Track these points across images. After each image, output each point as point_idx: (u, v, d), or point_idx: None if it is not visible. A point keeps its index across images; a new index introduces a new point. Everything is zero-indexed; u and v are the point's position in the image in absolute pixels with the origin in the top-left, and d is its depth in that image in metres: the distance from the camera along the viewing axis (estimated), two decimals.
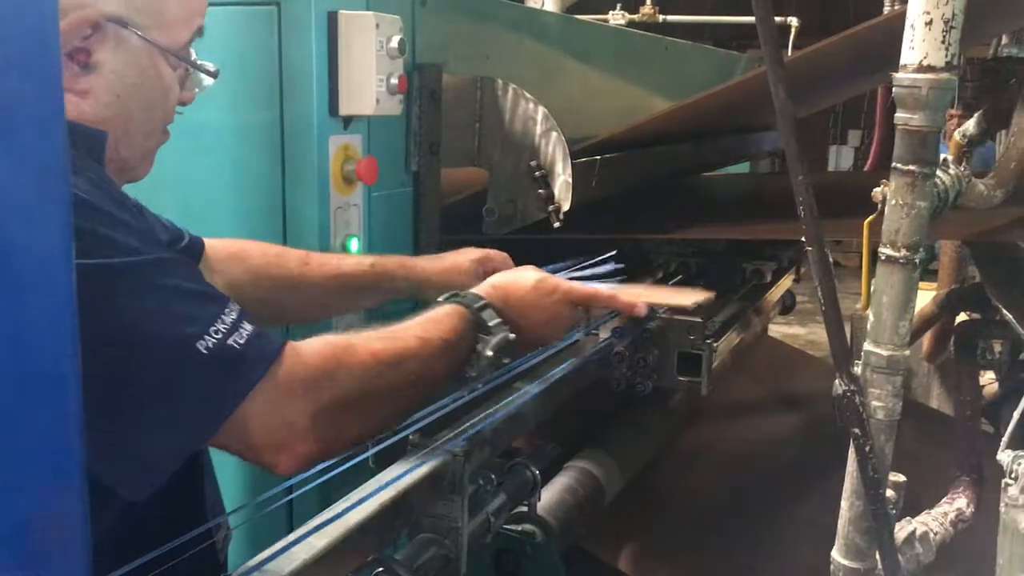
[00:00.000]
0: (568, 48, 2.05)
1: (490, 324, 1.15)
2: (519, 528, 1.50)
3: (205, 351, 0.82)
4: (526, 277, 1.22)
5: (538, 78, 1.83)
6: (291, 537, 0.95)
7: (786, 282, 2.55)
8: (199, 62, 0.99)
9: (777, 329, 4.55)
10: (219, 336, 0.84)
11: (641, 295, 1.46)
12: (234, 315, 0.86)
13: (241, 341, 0.85)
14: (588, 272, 1.45)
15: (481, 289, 1.16)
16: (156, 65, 0.94)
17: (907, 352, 1.16)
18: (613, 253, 1.54)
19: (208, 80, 1.01)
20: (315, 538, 0.96)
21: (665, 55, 2.57)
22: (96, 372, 0.67)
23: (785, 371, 2.86)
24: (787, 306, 2.86)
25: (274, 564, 0.91)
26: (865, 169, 5.56)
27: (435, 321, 1.08)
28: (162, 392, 0.82)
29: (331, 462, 1.08)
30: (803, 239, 1.17)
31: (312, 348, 0.95)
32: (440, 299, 1.12)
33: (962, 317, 2.76)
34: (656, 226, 2.02)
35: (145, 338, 0.80)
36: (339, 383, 0.94)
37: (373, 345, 1.00)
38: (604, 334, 1.67)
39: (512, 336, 1.17)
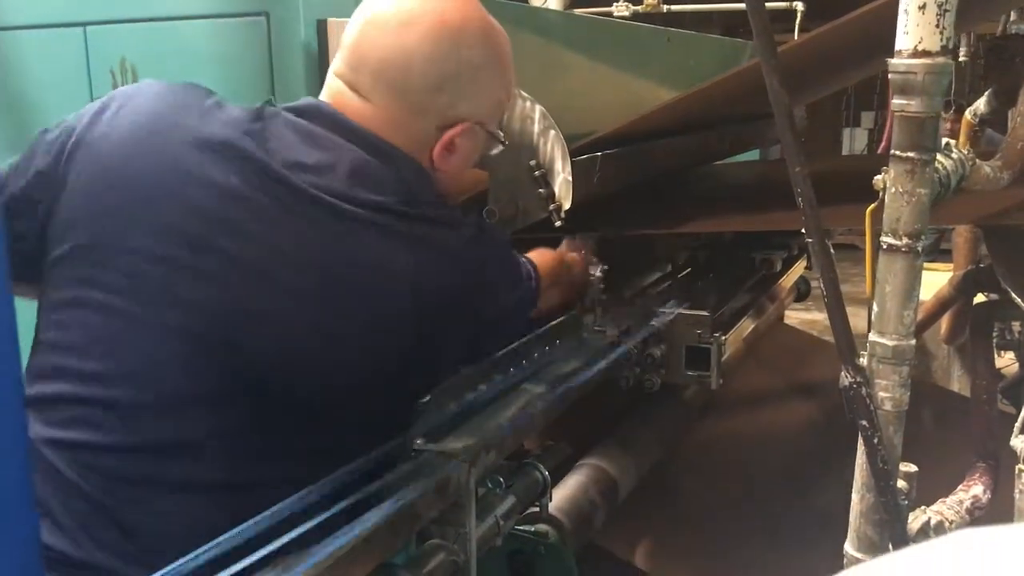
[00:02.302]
0: (568, 45, 2.04)
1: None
2: (531, 529, 1.50)
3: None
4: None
5: (538, 76, 1.82)
6: (295, 550, 0.96)
7: (798, 269, 2.54)
8: (497, 132, 1.35)
9: (795, 316, 4.52)
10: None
11: None
12: None
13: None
14: None
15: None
16: (482, 142, 1.32)
17: (913, 341, 1.14)
18: None
19: (500, 146, 1.38)
20: (321, 548, 0.96)
21: (668, 47, 2.55)
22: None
23: (801, 359, 2.83)
24: (802, 293, 2.85)
25: None
26: (879, 151, 5.52)
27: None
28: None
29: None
30: (803, 230, 1.16)
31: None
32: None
33: (980, 298, 2.73)
34: (663, 219, 2.01)
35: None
36: None
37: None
38: (610, 331, 1.67)
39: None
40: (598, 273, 1.71)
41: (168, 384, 1.08)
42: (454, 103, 1.21)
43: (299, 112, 1.17)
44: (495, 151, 1.35)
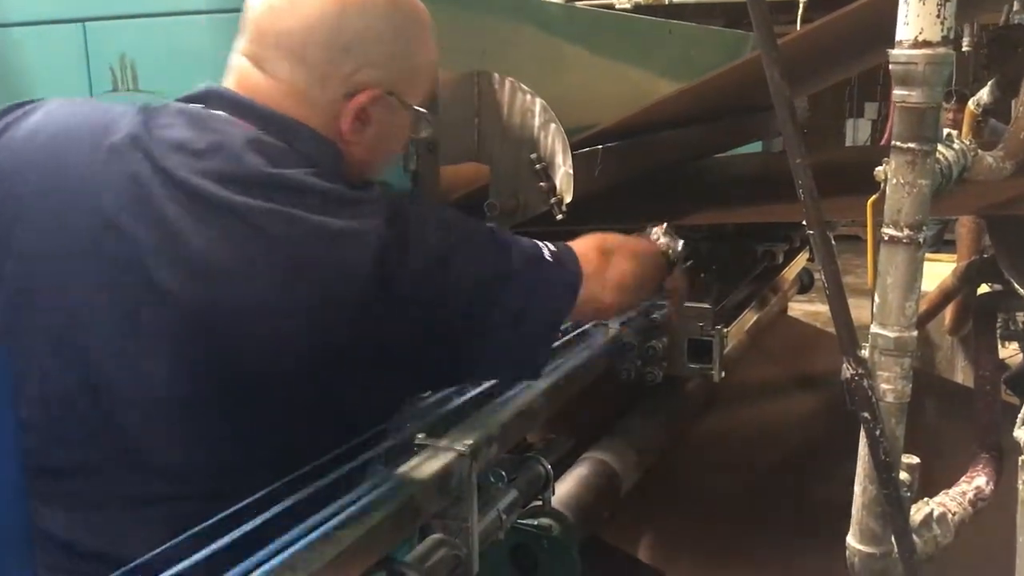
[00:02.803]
0: (569, 37, 2.03)
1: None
2: (535, 522, 1.50)
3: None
4: None
5: (539, 70, 1.82)
6: (297, 544, 0.96)
7: (800, 261, 2.53)
8: (424, 111, 1.24)
9: (799, 307, 4.50)
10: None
11: None
12: None
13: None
14: None
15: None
16: (403, 119, 1.22)
17: (915, 333, 1.14)
18: None
19: (430, 123, 1.27)
20: (321, 544, 0.96)
21: (670, 39, 2.54)
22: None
23: (804, 350, 2.83)
24: (805, 285, 2.84)
25: (282, 571, 0.91)
26: (881, 143, 5.50)
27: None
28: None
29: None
30: (804, 222, 1.15)
31: None
32: None
33: (984, 288, 2.72)
34: (664, 212, 2.00)
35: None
36: None
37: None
38: (613, 324, 1.67)
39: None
40: (678, 249, 1.56)
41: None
42: (359, 68, 1.14)
43: (191, 99, 1.14)
44: (426, 131, 1.26)
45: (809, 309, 5.73)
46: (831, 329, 1.20)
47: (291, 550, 0.94)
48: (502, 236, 1.23)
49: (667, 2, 4.98)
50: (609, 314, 1.52)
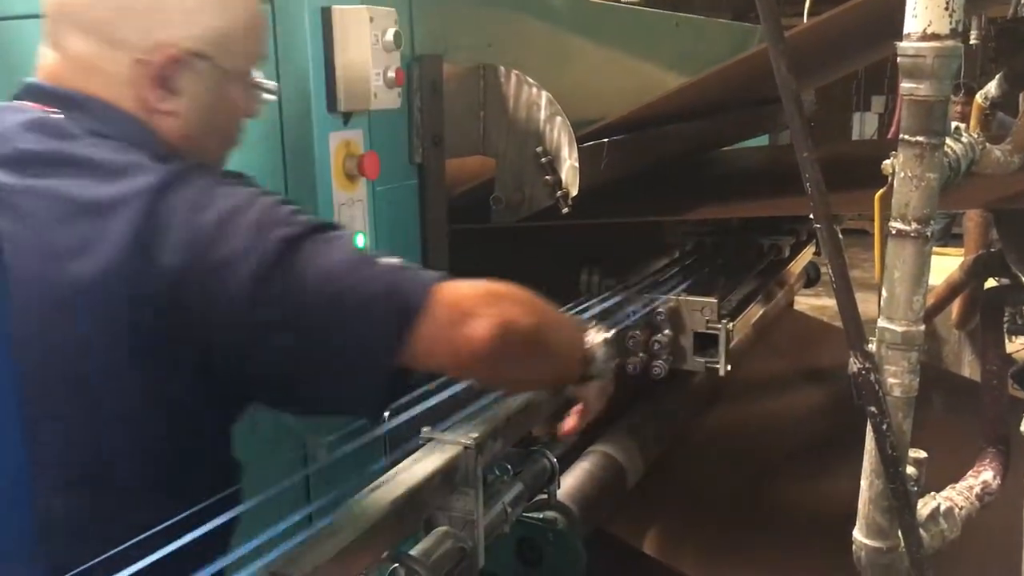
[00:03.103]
0: (575, 30, 2.03)
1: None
2: (540, 516, 1.50)
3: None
4: None
5: (545, 63, 1.81)
6: (307, 537, 0.96)
7: (806, 255, 2.53)
8: (260, 81, 1.15)
9: (805, 301, 4.50)
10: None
11: None
12: None
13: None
14: None
15: None
16: (226, 88, 1.10)
17: (922, 327, 1.14)
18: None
19: (270, 96, 1.17)
20: (327, 539, 0.96)
21: (676, 31, 2.54)
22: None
23: (810, 344, 2.83)
24: (811, 279, 2.84)
25: (289, 563, 0.91)
26: (888, 136, 5.48)
27: None
28: None
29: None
30: (811, 215, 1.15)
31: None
32: None
33: (991, 283, 2.71)
34: (670, 206, 2.00)
35: None
36: None
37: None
38: (617, 317, 1.67)
39: None
40: (601, 361, 1.24)
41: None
42: (151, 28, 1.04)
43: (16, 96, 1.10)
44: (261, 105, 1.15)
45: (815, 303, 5.73)
46: (837, 323, 1.19)
47: (294, 542, 0.94)
48: (329, 231, 1.03)
49: None
50: (476, 368, 1.08)
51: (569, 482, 1.64)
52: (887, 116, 8.67)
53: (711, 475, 2.02)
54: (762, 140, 3.47)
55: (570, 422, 1.32)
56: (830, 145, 2.71)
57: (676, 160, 2.21)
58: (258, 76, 1.15)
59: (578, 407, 1.31)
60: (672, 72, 2.45)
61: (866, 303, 1.18)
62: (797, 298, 3.11)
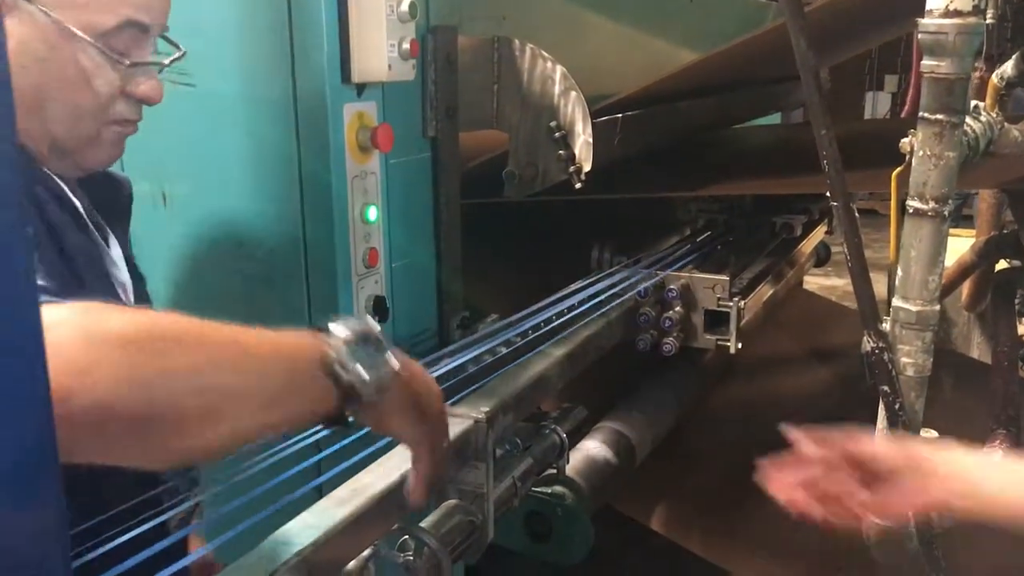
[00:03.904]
0: (588, 3, 2.01)
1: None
2: (549, 490, 1.50)
3: None
4: None
5: (558, 36, 1.80)
6: (318, 507, 0.96)
7: (818, 234, 2.51)
8: (119, 54, 0.96)
9: (814, 281, 4.49)
10: None
11: None
12: None
13: None
14: None
15: None
16: (68, 46, 0.94)
17: (937, 307, 1.13)
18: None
19: (182, 80, 1.03)
20: (338, 508, 0.97)
21: (690, 7, 2.51)
22: None
23: (819, 324, 2.82)
24: (821, 258, 2.82)
25: (299, 534, 0.92)
26: (902, 116, 5.44)
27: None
28: None
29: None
30: (828, 194, 1.14)
31: None
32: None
33: (1002, 264, 2.70)
34: (683, 182, 1.99)
35: None
36: None
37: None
38: (629, 294, 1.66)
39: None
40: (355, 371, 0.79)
41: None
42: None
43: None
44: (113, 75, 0.96)
45: (824, 283, 5.72)
46: (847, 303, 1.19)
47: (307, 515, 0.94)
48: None
49: None
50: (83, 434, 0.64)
51: (578, 457, 1.64)
52: (900, 96, 8.60)
53: (719, 453, 2.02)
54: (774, 118, 3.45)
55: (412, 483, 0.95)
56: (843, 124, 2.69)
57: (688, 137, 2.20)
58: (147, 48, 0.99)
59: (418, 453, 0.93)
60: (685, 48, 2.43)
61: (877, 284, 1.17)
62: (806, 278, 3.10)
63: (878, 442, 0.98)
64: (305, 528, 0.93)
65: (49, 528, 0.49)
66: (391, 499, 1.02)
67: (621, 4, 2.15)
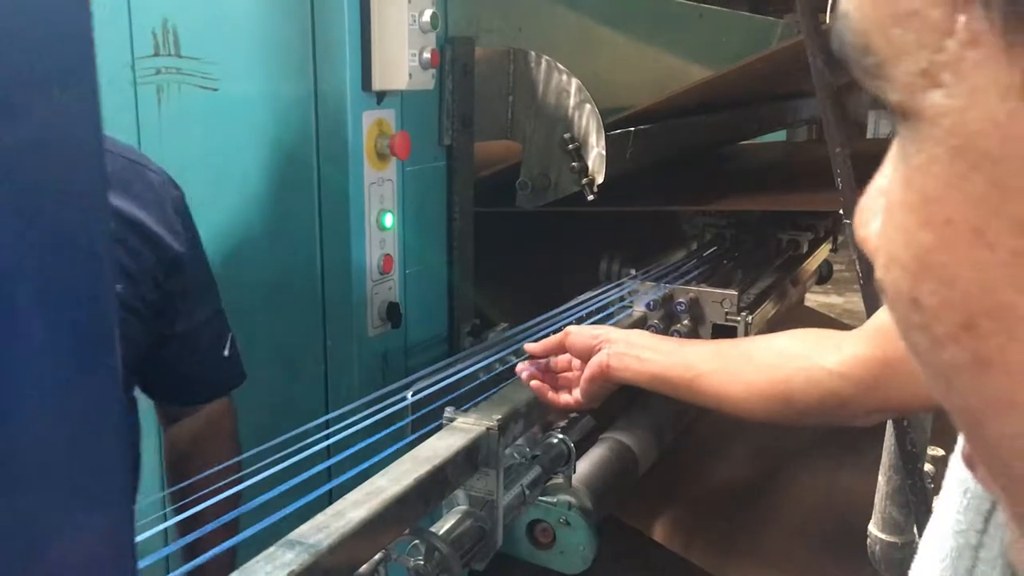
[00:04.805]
0: (601, 18, 2.03)
1: None
2: (554, 499, 1.51)
3: None
4: None
5: (571, 49, 1.82)
6: (331, 510, 0.97)
7: (823, 251, 2.53)
8: None
9: (814, 298, 4.51)
10: None
11: None
12: None
13: None
14: None
15: None
16: None
17: None
18: None
19: None
20: (354, 511, 0.98)
21: (700, 22, 2.54)
22: None
23: None
24: (824, 275, 2.84)
25: (316, 536, 0.92)
26: None
27: None
28: None
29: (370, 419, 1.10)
30: (840, 211, 1.15)
31: None
32: None
33: None
34: (690, 197, 2.01)
35: None
36: None
37: None
38: (638, 306, 1.68)
39: None
40: None
41: None
42: None
43: None
44: None
45: (824, 300, 5.74)
46: (846, 320, 1.20)
47: (322, 517, 0.95)
48: None
49: None
50: None
51: (582, 467, 1.65)
52: None
53: (722, 466, 2.03)
54: (779, 135, 3.47)
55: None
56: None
57: (697, 152, 2.21)
58: None
59: None
60: (696, 62, 2.45)
61: (856, 302, 1.18)
62: (806, 295, 3.12)
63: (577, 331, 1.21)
64: (321, 526, 0.94)
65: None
66: (407, 502, 1.03)
67: (632, 19, 2.17)
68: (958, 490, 0.57)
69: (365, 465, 1.08)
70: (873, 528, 1.22)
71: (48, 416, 0.44)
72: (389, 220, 1.32)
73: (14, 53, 0.38)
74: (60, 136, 0.41)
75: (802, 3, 1.13)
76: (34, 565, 0.44)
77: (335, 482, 1.06)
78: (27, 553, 0.44)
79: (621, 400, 1.91)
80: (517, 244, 1.85)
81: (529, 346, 1.27)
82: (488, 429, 1.19)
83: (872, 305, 1.16)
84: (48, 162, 0.40)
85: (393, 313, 1.34)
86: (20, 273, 0.41)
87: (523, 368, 1.26)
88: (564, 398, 1.25)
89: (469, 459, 1.16)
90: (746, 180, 2.29)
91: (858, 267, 1.16)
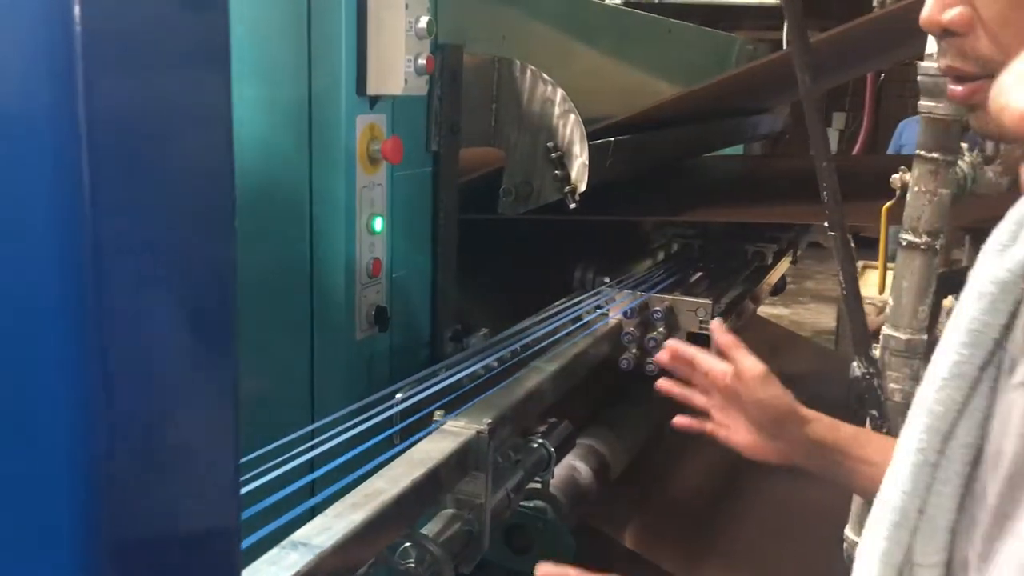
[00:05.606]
0: (576, 29, 2.05)
1: None
2: (531, 504, 1.52)
3: None
4: None
5: (549, 58, 1.84)
6: (331, 511, 0.97)
7: (784, 264, 2.59)
8: None
9: (763, 309, 4.59)
10: None
11: None
12: None
13: None
14: None
15: None
16: None
17: (926, 336, 1.19)
18: None
19: None
20: (353, 513, 0.98)
21: (668, 37, 2.58)
22: None
23: (779, 351, 2.89)
24: (778, 288, 2.90)
25: (316, 538, 0.92)
26: (853, 153, 5.60)
27: None
28: None
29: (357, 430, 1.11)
30: (825, 224, 1.19)
31: None
32: None
33: (949, 302, 2.79)
34: (661, 207, 2.04)
35: None
36: None
37: None
38: (614, 314, 1.70)
39: None
40: None
41: None
42: None
43: None
44: None
45: (771, 312, 5.84)
46: (800, 332, 1.24)
47: (320, 520, 0.95)
48: None
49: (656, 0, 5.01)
50: None
51: (556, 472, 1.67)
52: (849, 133, 8.84)
53: (690, 472, 2.06)
54: (736, 149, 3.54)
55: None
56: (796, 159, 2.77)
57: (667, 163, 2.25)
58: None
59: None
60: (663, 77, 2.50)
61: (821, 315, 1.22)
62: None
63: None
64: (321, 528, 0.94)
65: None
66: (401, 505, 1.04)
67: (605, 32, 2.20)
68: (921, 411, 0.68)
69: (352, 477, 1.07)
70: (850, 532, 1.26)
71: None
72: (379, 224, 1.33)
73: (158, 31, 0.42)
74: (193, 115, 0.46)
75: (792, 21, 1.16)
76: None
77: (318, 498, 1.04)
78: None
79: (592, 406, 1.94)
80: (491, 251, 1.86)
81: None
82: (478, 432, 1.20)
83: (854, 311, 1.20)
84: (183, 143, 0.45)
85: (380, 317, 1.34)
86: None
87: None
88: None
89: (460, 462, 1.17)
90: (713, 192, 2.34)
91: (841, 278, 1.19)
